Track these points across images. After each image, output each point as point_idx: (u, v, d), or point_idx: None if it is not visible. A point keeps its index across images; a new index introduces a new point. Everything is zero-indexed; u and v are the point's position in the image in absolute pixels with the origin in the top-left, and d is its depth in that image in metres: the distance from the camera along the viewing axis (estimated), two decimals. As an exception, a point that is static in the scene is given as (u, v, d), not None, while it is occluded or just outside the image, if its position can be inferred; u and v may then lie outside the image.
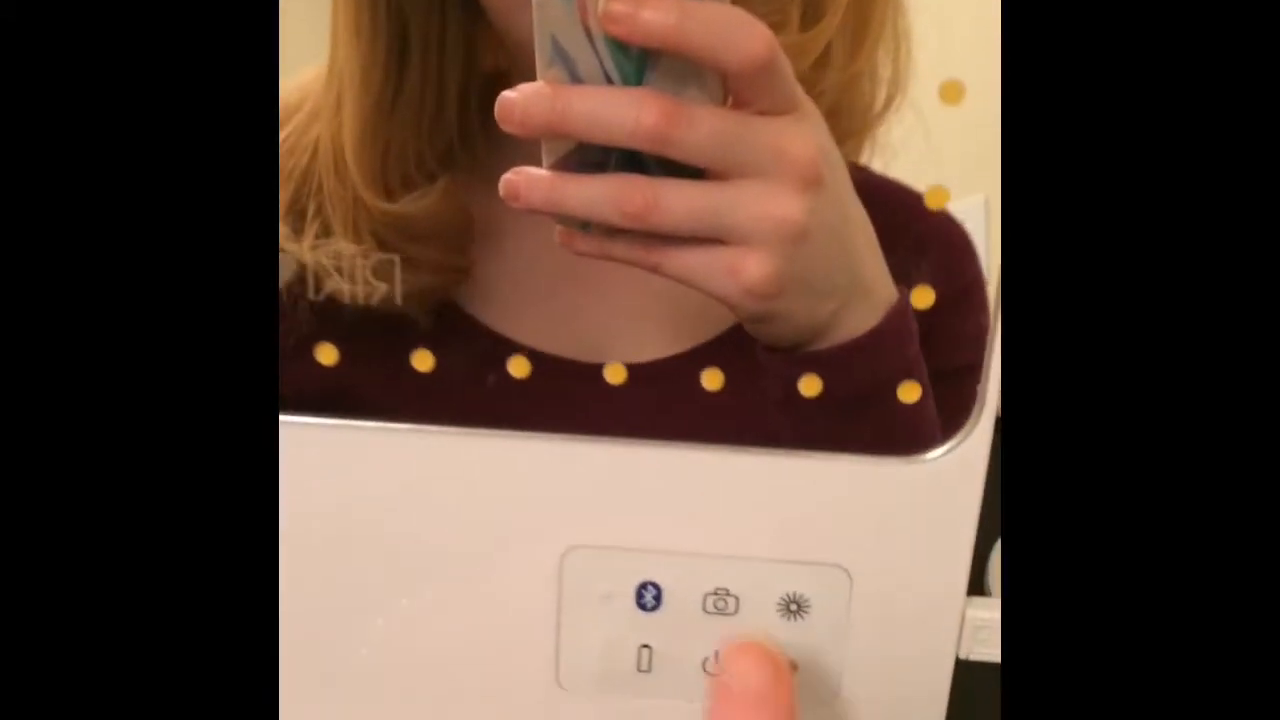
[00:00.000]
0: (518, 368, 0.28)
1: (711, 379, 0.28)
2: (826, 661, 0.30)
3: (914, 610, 0.30)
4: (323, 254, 0.28)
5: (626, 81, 0.25)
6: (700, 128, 0.25)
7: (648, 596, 0.30)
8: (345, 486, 0.29)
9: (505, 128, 0.25)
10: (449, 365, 0.28)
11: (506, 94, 0.25)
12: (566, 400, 0.29)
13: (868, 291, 0.28)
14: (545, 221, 0.27)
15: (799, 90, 0.26)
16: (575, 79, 0.25)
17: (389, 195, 0.28)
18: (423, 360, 0.27)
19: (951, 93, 0.25)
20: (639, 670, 0.30)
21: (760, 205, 0.26)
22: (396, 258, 0.27)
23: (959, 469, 0.28)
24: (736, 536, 0.29)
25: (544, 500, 0.29)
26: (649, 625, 0.30)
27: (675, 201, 0.26)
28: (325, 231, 0.28)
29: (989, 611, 0.30)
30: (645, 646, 0.30)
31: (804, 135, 0.26)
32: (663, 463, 0.28)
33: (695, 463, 0.28)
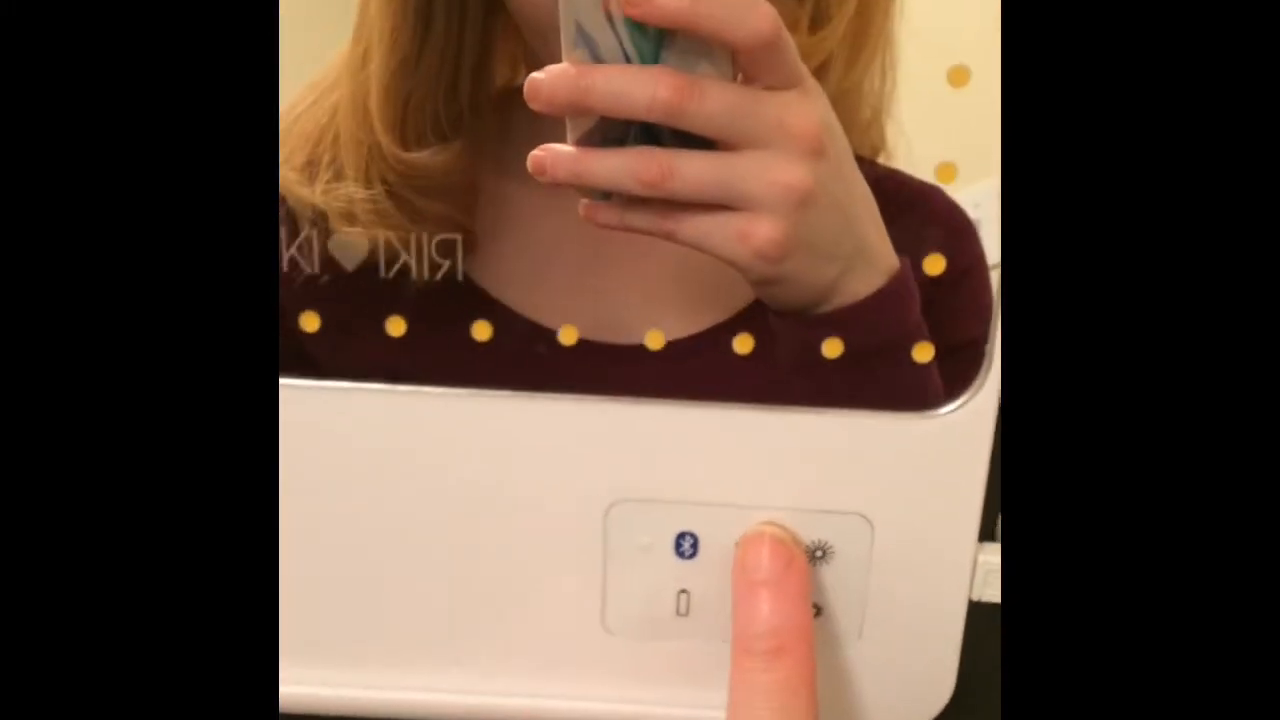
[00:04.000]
0: (567, 336, 0.31)
1: (743, 344, 0.31)
2: (850, 603, 0.33)
3: (930, 555, 0.32)
4: (332, 197, 0.30)
5: (644, 60, 0.28)
6: (711, 101, 0.27)
7: (685, 545, 0.32)
8: (404, 448, 0.31)
9: (533, 106, 0.28)
10: (471, 344, 0.30)
11: (534, 75, 0.28)
12: (592, 377, 0.31)
13: (871, 257, 0.30)
14: (563, 206, 0.30)
15: (803, 67, 0.28)
16: (597, 59, 0.28)
17: (404, 145, 0.30)
18: (482, 330, 0.30)
19: (957, 78, 0.28)
20: (678, 614, 0.33)
21: (768, 172, 0.28)
22: (458, 238, 0.30)
23: (969, 423, 0.30)
24: (766, 489, 0.32)
25: (588, 459, 0.31)
26: (687, 572, 0.33)
27: (689, 170, 0.28)
28: (337, 176, 0.30)
29: (998, 556, 0.33)
30: (683, 592, 0.33)
31: (807, 108, 0.28)
32: (697, 422, 0.31)
33: (726, 421, 0.31)
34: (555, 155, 0.28)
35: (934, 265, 0.30)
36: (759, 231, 0.28)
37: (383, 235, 0.30)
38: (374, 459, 0.31)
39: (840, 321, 0.31)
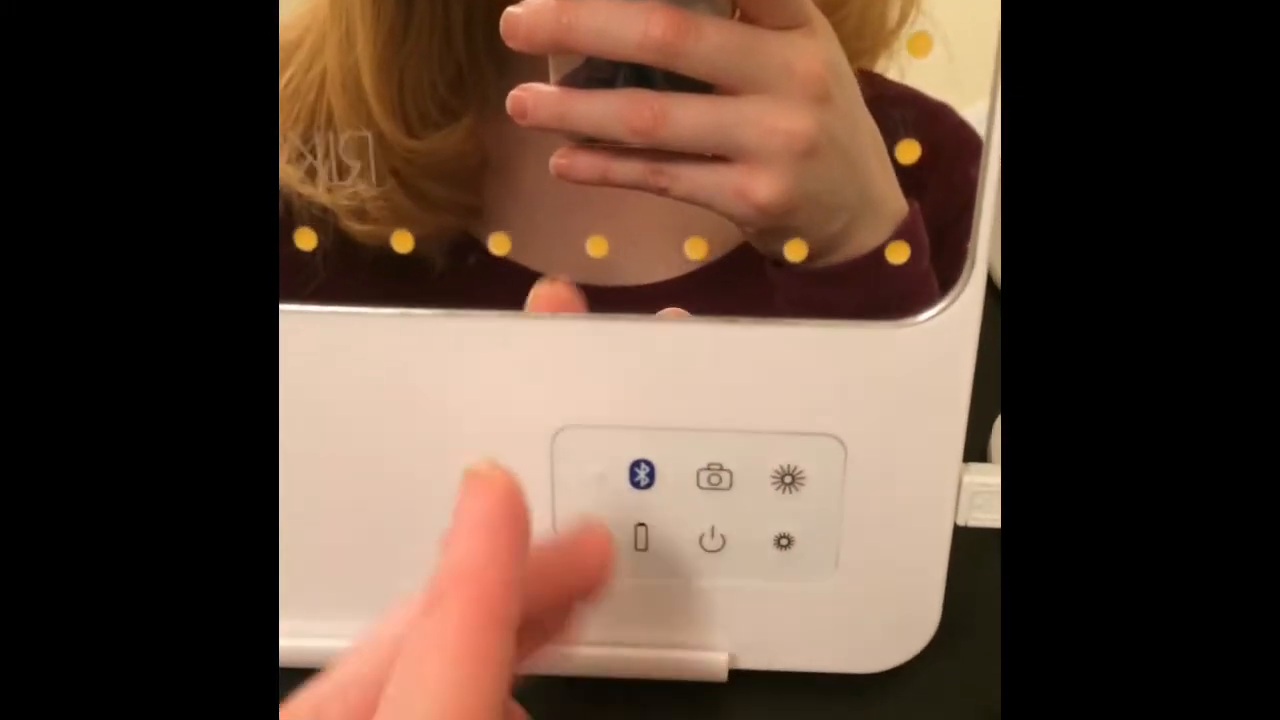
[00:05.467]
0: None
1: (695, 249, 0.27)
2: (823, 533, 0.30)
3: (910, 478, 0.29)
4: (341, 195, 0.27)
5: None
6: (708, 40, 0.25)
7: (640, 474, 0.29)
8: (336, 371, 0.28)
9: (511, 44, 0.25)
10: (466, 290, 0.28)
11: (512, 9, 0.25)
12: None
13: (877, 207, 0.28)
14: (551, 150, 0.27)
15: (809, 4, 0.25)
16: None
17: (409, 130, 0.28)
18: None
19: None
20: (636, 549, 0.30)
21: (768, 119, 0.26)
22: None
23: (951, 330, 0.27)
24: (727, 410, 0.29)
25: (531, 381, 0.28)
26: (644, 504, 0.30)
27: (683, 115, 0.26)
28: (341, 172, 0.28)
29: (987, 476, 0.30)
30: (641, 525, 0.30)
31: (812, 50, 0.26)
32: (649, 339, 0.28)
33: (682, 337, 0.28)
34: (537, 96, 0.26)
35: (909, 152, 0.27)
36: (759, 184, 0.26)
37: (397, 232, 0.28)
38: (306, 382, 0.28)
39: (845, 276, 0.28)
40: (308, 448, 0.29)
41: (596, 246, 0.28)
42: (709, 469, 0.29)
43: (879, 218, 0.28)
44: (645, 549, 0.30)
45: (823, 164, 0.26)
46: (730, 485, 0.29)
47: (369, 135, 0.27)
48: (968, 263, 0.27)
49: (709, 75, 0.25)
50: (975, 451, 0.37)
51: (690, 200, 0.27)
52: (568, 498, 0.30)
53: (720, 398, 0.28)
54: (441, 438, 0.29)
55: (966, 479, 0.30)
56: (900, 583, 0.30)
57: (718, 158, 0.26)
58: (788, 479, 0.29)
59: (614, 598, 0.31)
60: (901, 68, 0.26)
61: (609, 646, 0.31)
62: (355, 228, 0.28)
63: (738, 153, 0.26)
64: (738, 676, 0.32)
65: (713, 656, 0.32)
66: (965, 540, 0.31)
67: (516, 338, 0.28)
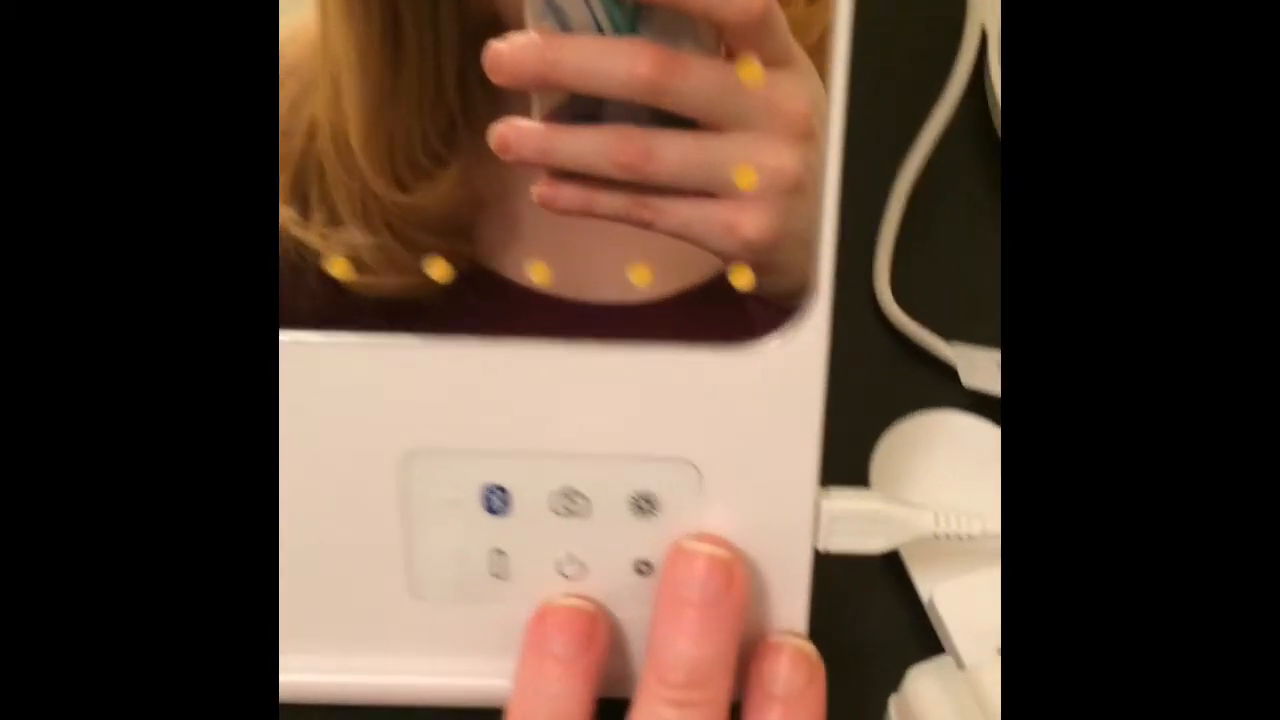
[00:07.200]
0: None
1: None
2: (682, 559, 0.29)
3: (766, 504, 0.29)
4: (335, 242, 0.27)
5: (618, 32, 0.25)
6: (695, 78, 0.25)
7: (495, 500, 0.29)
8: None
9: (495, 79, 0.25)
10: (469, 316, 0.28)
11: (495, 44, 0.25)
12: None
13: None
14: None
15: (794, 44, 0.25)
16: (566, 30, 0.25)
17: (400, 185, 0.27)
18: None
19: None
20: (493, 576, 0.30)
21: (754, 156, 0.26)
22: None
23: (797, 355, 0.27)
24: (580, 435, 0.28)
25: (381, 404, 0.28)
26: (500, 530, 0.29)
27: (670, 152, 0.26)
28: (333, 220, 0.27)
29: (848, 501, 0.30)
30: (499, 552, 0.30)
31: (797, 89, 0.26)
32: (500, 361, 0.28)
33: (532, 360, 0.28)
34: (520, 131, 0.26)
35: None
36: (746, 220, 0.26)
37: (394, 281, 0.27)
38: None
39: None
40: None
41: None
42: (564, 494, 0.29)
43: None
44: (503, 576, 0.30)
45: (806, 201, 0.26)
46: (589, 511, 0.29)
47: (358, 188, 0.27)
48: (811, 286, 0.27)
49: (695, 113, 0.25)
50: (855, 474, 0.37)
51: (677, 235, 0.27)
52: (421, 524, 0.29)
53: (573, 421, 0.28)
54: (290, 464, 0.28)
55: (826, 504, 0.29)
56: (761, 610, 0.30)
57: (704, 193, 0.26)
58: (645, 504, 0.29)
59: (472, 627, 0.31)
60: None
61: (466, 677, 0.31)
62: (348, 276, 0.27)
63: (723, 189, 0.26)
64: (607, 708, 0.32)
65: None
66: (826, 567, 0.30)
67: (360, 360, 0.28)
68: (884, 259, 0.39)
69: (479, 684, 0.30)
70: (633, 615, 0.30)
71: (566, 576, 0.30)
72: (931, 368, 0.38)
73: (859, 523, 0.30)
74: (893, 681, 0.33)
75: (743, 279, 0.27)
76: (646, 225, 0.27)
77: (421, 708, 0.31)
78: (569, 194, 0.26)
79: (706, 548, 0.29)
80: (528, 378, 0.28)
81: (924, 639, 0.34)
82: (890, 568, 0.35)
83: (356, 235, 0.27)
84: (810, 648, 0.30)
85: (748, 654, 0.30)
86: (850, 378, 0.30)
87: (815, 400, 0.28)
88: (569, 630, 0.29)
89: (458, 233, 0.28)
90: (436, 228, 0.28)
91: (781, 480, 0.29)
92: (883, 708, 0.33)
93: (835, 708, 0.29)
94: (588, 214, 0.26)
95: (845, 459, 0.34)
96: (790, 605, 0.30)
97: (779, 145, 0.26)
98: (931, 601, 0.34)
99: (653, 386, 0.28)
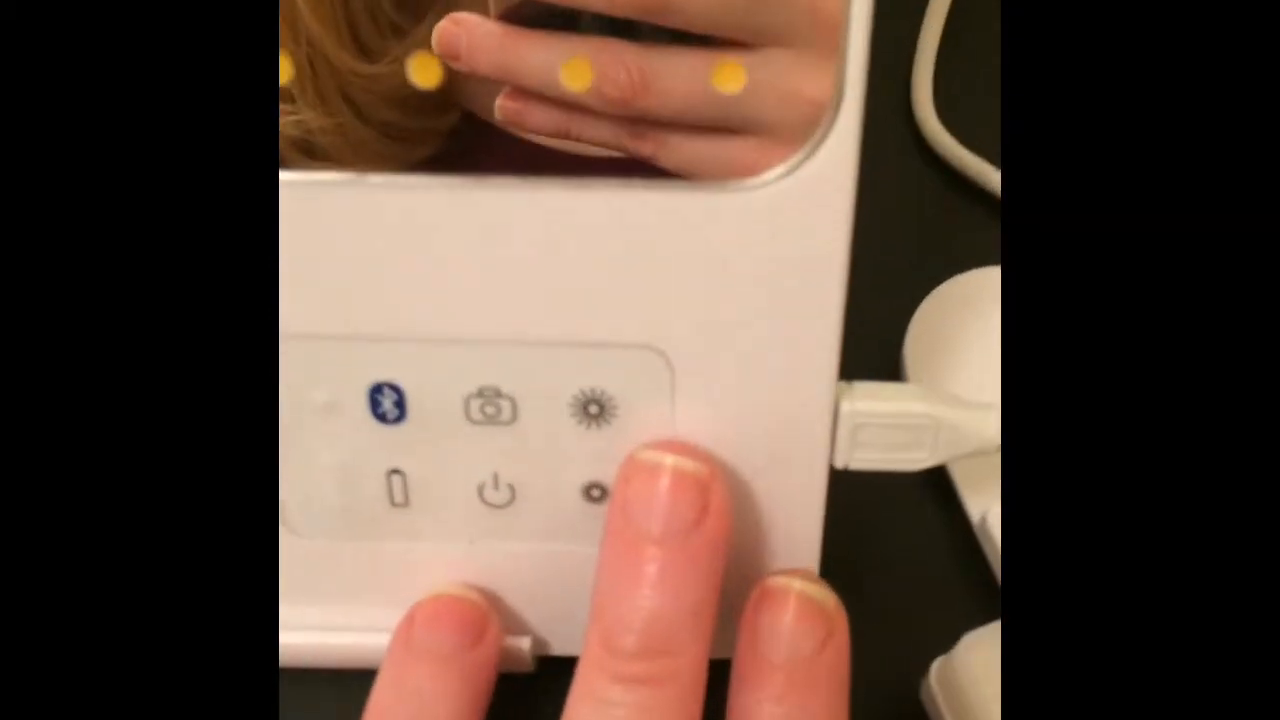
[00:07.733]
0: None
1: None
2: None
3: (762, 405, 0.21)
4: (288, 123, 0.22)
5: None
6: None
7: (386, 404, 0.21)
8: None
9: None
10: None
11: None
12: None
13: None
14: None
15: None
16: None
17: (361, 52, 0.22)
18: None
19: None
20: (393, 504, 0.22)
21: (788, 82, 0.20)
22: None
23: (810, 196, 0.19)
24: (502, 316, 0.20)
25: None
26: (395, 443, 0.22)
27: (674, 81, 0.20)
28: (286, 97, 0.22)
29: (873, 402, 0.22)
30: (396, 472, 0.22)
31: None
32: (393, 204, 0.19)
33: (433, 204, 0.19)
34: (474, 34, 0.20)
35: None
36: (774, 164, 0.19)
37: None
38: None
39: None
40: None
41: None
42: (481, 395, 0.21)
43: None
44: (405, 503, 0.22)
45: None
46: (513, 417, 0.21)
47: (305, 54, 0.22)
48: (834, 95, 0.18)
49: (712, 29, 0.20)
50: (886, 367, 0.28)
51: (686, 174, 0.21)
52: (290, 437, 0.21)
53: (494, 296, 0.20)
54: None
55: (846, 406, 0.21)
56: (757, 544, 0.22)
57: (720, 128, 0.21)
58: (593, 408, 0.21)
59: (363, 570, 0.23)
60: None
61: (356, 633, 0.23)
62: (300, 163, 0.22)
63: (746, 126, 0.21)
64: (548, 667, 0.24)
65: (512, 643, 0.24)
66: (848, 486, 0.22)
67: None
68: (924, 71, 0.29)
69: (372, 642, 0.23)
70: (583, 555, 0.22)
71: (490, 504, 0.22)
72: (986, 205, 0.29)
73: (893, 430, 0.22)
74: (935, 640, 0.25)
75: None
76: (647, 159, 0.21)
77: (298, 670, 0.24)
78: (540, 114, 0.21)
79: (671, 458, 0.21)
80: (427, 230, 0.19)
81: (975, 582, 0.26)
82: (934, 486, 0.27)
83: (310, 114, 0.22)
84: (827, 593, 0.22)
85: (738, 603, 0.22)
86: (881, 224, 0.22)
87: (836, 256, 0.19)
88: (447, 626, 0.22)
89: (438, 109, 0.23)
90: (409, 104, 0.22)
91: (785, 371, 0.21)
92: (921, 671, 0.25)
93: (860, 673, 0.22)
94: (565, 138, 0.21)
95: (874, 338, 0.26)
96: (798, 538, 0.22)
97: (819, 67, 0.20)
98: (984, 522, 0.26)
99: (606, 243, 0.19)
